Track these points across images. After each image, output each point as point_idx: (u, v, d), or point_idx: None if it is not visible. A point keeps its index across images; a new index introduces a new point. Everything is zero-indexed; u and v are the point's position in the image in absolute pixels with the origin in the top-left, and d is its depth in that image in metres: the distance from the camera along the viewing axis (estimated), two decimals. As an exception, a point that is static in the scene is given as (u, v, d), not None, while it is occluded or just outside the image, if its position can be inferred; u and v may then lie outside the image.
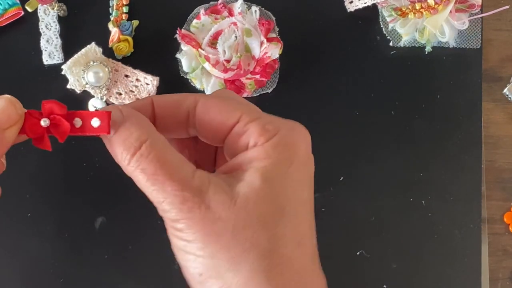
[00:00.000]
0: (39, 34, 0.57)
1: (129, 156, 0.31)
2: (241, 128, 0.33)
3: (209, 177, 0.32)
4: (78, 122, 0.37)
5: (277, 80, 0.57)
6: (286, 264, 0.32)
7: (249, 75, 0.56)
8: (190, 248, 0.32)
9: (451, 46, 0.58)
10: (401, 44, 0.58)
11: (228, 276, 0.31)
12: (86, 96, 0.56)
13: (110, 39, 0.57)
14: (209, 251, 0.31)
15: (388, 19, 0.58)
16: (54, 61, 0.57)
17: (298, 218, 0.33)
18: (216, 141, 0.35)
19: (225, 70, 0.55)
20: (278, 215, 0.32)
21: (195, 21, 0.57)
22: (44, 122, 0.37)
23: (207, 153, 0.38)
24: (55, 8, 0.57)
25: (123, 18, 0.58)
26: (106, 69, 0.55)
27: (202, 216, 0.31)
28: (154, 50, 0.58)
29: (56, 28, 0.57)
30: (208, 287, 0.32)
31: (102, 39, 0.57)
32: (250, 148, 0.33)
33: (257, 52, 0.56)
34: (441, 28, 0.58)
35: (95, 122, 0.36)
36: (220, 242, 0.31)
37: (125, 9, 0.58)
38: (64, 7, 0.58)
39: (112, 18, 0.58)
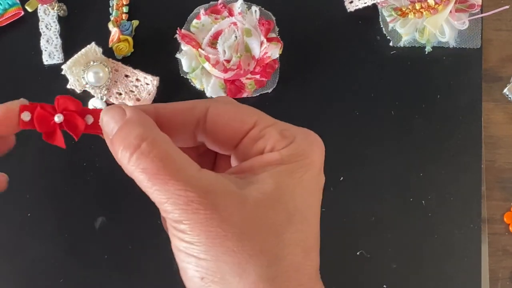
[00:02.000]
0: (39, 34, 0.57)
1: (128, 155, 0.30)
2: (257, 133, 0.33)
3: (216, 177, 0.30)
4: (89, 119, 0.36)
5: (277, 80, 0.57)
6: (293, 273, 0.31)
7: (249, 75, 0.56)
8: (192, 251, 0.30)
9: (451, 46, 0.58)
10: (401, 44, 0.58)
11: (233, 282, 0.29)
12: (86, 96, 0.56)
13: (110, 39, 0.57)
14: (214, 254, 0.29)
15: (388, 19, 0.58)
16: (54, 61, 0.57)
17: (307, 227, 0.32)
18: (227, 147, 0.34)
19: (225, 70, 0.55)
20: (287, 222, 0.31)
21: (195, 21, 0.57)
22: (58, 118, 0.36)
23: (206, 163, 0.37)
24: (55, 8, 0.57)
25: (123, 18, 0.58)
26: (106, 69, 0.55)
27: (208, 217, 0.29)
28: (154, 50, 0.58)
29: (56, 28, 0.57)
30: None
31: (102, 39, 0.57)
32: (265, 152, 0.32)
33: (257, 52, 0.56)
34: (441, 28, 0.58)
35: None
36: (226, 246, 0.29)
37: (125, 9, 0.58)
38: (64, 7, 0.58)
39: (112, 18, 0.58)
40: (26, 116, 0.37)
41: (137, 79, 0.56)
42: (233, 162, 0.35)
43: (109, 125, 0.32)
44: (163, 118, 0.32)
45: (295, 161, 0.32)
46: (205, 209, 0.29)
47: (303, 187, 0.33)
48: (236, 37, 0.56)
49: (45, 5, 0.57)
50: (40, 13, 0.58)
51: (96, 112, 0.35)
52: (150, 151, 0.29)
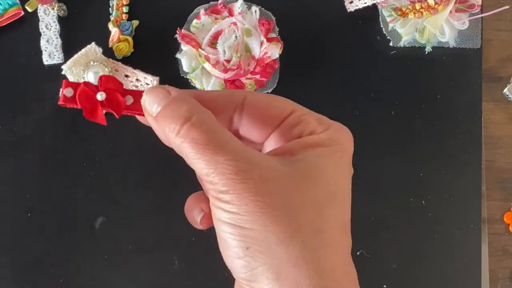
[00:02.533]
0: (39, 34, 0.57)
1: (178, 127, 0.31)
2: (296, 119, 0.35)
3: (261, 153, 0.32)
4: (129, 99, 0.37)
5: (277, 80, 0.57)
6: (335, 246, 0.33)
7: (249, 75, 0.56)
8: (238, 221, 0.31)
9: (451, 46, 0.58)
10: (401, 44, 0.58)
11: (279, 251, 0.30)
12: (86, 96, 0.56)
13: (110, 39, 0.57)
14: (262, 223, 0.30)
15: (388, 19, 0.58)
16: (54, 61, 0.57)
17: (344, 206, 0.35)
18: (263, 132, 0.35)
19: (225, 70, 0.55)
20: (329, 199, 0.33)
21: (195, 21, 0.57)
22: (100, 96, 0.37)
23: None
24: (55, 8, 0.57)
25: (123, 18, 0.58)
26: (106, 69, 0.55)
27: (256, 187, 0.30)
28: (154, 50, 0.58)
29: (56, 28, 0.57)
30: (254, 262, 0.30)
31: (102, 39, 0.57)
32: (304, 136, 0.34)
33: (257, 52, 0.56)
34: (441, 28, 0.58)
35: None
36: (273, 215, 0.30)
37: (125, 9, 0.58)
38: (64, 7, 0.58)
39: (112, 18, 0.58)
40: (68, 92, 0.38)
41: (137, 79, 0.56)
42: (267, 149, 0.36)
43: (153, 104, 0.32)
44: (203, 102, 0.33)
45: (333, 145, 0.35)
46: (254, 179, 0.30)
47: (340, 170, 0.35)
48: (236, 37, 0.56)
49: (45, 5, 0.57)
50: (40, 13, 0.58)
51: (137, 93, 0.36)
52: (201, 122, 0.30)
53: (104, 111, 0.37)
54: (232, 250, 0.31)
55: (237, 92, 0.36)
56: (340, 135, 0.36)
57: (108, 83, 0.37)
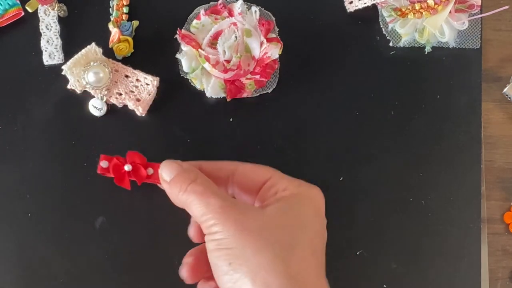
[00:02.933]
0: (40, 35, 0.57)
1: (185, 186, 0.43)
2: (273, 182, 0.45)
3: (243, 202, 0.45)
4: (150, 170, 0.50)
5: (277, 80, 0.57)
6: (304, 260, 0.41)
7: (249, 76, 0.56)
8: (223, 244, 0.40)
9: (450, 46, 0.59)
10: (401, 44, 0.58)
11: (254, 261, 0.39)
12: (86, 96, 0.56)
13: (110, 40, 0.57)
14: (241, 243, 0.39)
15: (387, 19, 0.58)
16: (55, 62, 0.57)
17: (315, 237, 0.43)
18: (250, 194, 0.47)
19: (225, 71, 0.55)
20: (298, 228, 0.42)
21: (195, 21, 0.57)
22: (127, 167, 0.50)
23: None
24: (55, 9, 0.57)
25: (123, 18, 0.58)
26: (106, 70, 0.55)
27: (236, 217, 0.41)
28: (154, 51, 0.58)
29: (56, 29, 0.57)
30: (235, 274, 0.39)
31: (102, 39, 0.57)
32: (279, 192, 0.44)
33: (257, 52, 0.56)
34: (440, 28, 0.58)
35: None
36: (250, 235, 0.40)
37: (125, 10, 0.58)
38: (64, 7, 0.58)
39: (112, 18, 0.58)
40: (104, 164, 0.51)
41: (137, 80, 0.56)
42: (257, 204, 0.47)
43: (168, 174, 0.45)
44: (204, 172, 0.46)
45: (302, 195, 0.44)
46: (234, 211, 0.41)
47: (308, 213, 0.44)
48: (236, 37, 0.56)
49: (45, 6, 0.57)
50: (41, 14, 0.58)
51: (156, 166, 0.49)
52: (201, 181, 0.43)
53: (129, 179, 0.50)
54: (220, 269, 0.40)
55: (228, 165, 0.48)
56: (310, 191, 0.45)
57: (134, 157, 0.51)
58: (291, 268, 0.39)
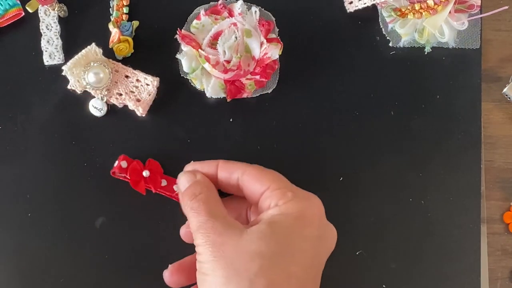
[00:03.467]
0: (40, 35, 0.57)
1: (188, 200, 0.46)
2: (268, 193, 0.45)
3: (230, 220, 0.44)
4: (164, 182, 0.54)
5: (277, 81, 0.57)
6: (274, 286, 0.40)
7: (249, 76, 0.56)
8: (202, 269, 0.42)
9: (450, 47, 0.59)
10: (401, 44, 0.59)
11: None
12: (86, 96, 0.56)
13: (111, 40, 0.57)
14: (213, 269, 0.41)
15: (387, 20, 0.58)
16: (55, 62, 0.57)
17: (296, 261, 0.42)
18: (252, 201, 0.47)
19: (225, 71, 0.55)
20: (274, 256, 0.41)
21: (195, 21, 0.57)
22: (145, 173, 0.54)
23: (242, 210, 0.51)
24: (56, 9, 0.57)
25: (123, 18, 0.58)
26: (107, 70, 0.55)
27: (215, 240, 0.42)
28: (154, 51, 0.58)
29: (56, 29, 0.57)
30: None
31: (103, 39, 0.57)
32: (270, 208, 0.44)
33: (257, 52, 0.56)
34: (440, 29, 0.58)
35: (176, 187, 0.52)
36: (223, 262, 0.41)
37: (125, 10, 0.58)
38: (65, 7, 0.58)
39: (112, 18, 0.58)
40: (124, 164, 0.54)
41: (137, 80, 0.56)
42: (255, 215, 0.48)
43: (183, 183, 0.48)
44: (220, 171, 0.49)
45: (290, 213, 0.43)
46: (214, 233, 0.42)
47: (296, 233, 0.43)
48: (236, 37, 0.56)
49: (45, 6, 0.57)
50: (41, 14, 0.58)
51: (170, 179, 0.54)
52: (202, 198, 0.45)
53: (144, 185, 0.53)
54: None
55: (236, 168, 0.48)
56: (303, 203, 0.44)
57: (153, 165, 0.54)
58: None
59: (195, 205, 0.45)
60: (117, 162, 0.54)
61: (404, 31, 0.58)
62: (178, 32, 0.56)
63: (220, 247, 0.41)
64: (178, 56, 0.57)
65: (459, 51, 0.59)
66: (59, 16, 0.58)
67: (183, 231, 0.52)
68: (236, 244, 0.41)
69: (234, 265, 0.40)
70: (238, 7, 0.56)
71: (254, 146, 0.57)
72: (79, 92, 0.56)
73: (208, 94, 0.56)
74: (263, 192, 0.45)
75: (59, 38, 0.57)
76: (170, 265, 0.51)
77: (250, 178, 0.47)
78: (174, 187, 0.53)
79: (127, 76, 0.56)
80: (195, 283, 0.45)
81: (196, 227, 0.43)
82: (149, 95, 0.56)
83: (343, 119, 0.58)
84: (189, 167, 0.50)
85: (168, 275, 0.50)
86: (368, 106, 0.58)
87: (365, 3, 0.58)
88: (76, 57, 0.55)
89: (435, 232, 0.57)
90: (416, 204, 0.57)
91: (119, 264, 0.55)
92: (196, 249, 0.43)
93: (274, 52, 0.56)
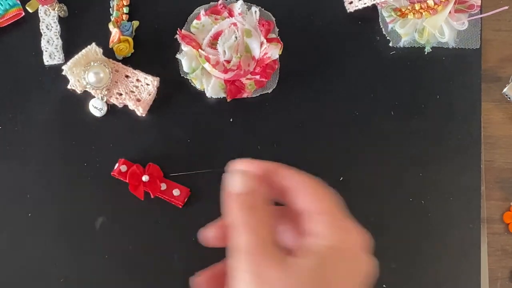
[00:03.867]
0: (40, 35, 0.57)
1: (245, 213, 0.39)
2: (319, 217, 0.40)
3: (276, 248, 0.39)
4: (163, 186, 0.54)
5: (277, 81, 0.57)
6: None
7: (249, 76, 0.56)
8: None
9: (450, 47, 0.59)
10: (401, 44, 0.59)
11: None
12: (86, 96, 0.56)
13: (111, 40, 0.57)
14: None
15: (387, 20, 0.58)
16: (55, 62, 0.57)
17: None
18: (297, 219, 0.41)
19: (225, 71, 0.55)
20: None
21: (195, 21, 0.57)
22: (144, 178, 0.54)
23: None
24: (56, 9, 0.57)
25: (124, 18, 0.58)
26: (107, 70, 0.55)
27: (257, 272, 0.37)
28: (155, 51, 0.58)
29: (56, 29, 0.58)
30: None
31: (103, 39, 0.57)
32: (319, 236, 0.39)
33: (257, 52, 0.56)
34: (440, 29, 0.58)
35: (176, 192, 0.54)
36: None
37: (125, 10, 0.58)
38: (65, 7, 0.58)
39: (112, 18, 0.58)
40: (123, 168, 0.54)
41: (137, 80, 0.56)
42: (290, 235, 0.43)
43: (232, 184, 0.41)
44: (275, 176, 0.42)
45: (334, 249, 0.39)
46: (260, 264, 0.37)
47: (336, 272, 0.39)
48: (236, 37, 0.56)
49: (45, 6, 0.57)
50: (41, 14, 0.58)
51: (170, 183, 0.54)
52: (259, 217, 0.39)
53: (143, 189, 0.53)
54: None
55: (291, 175, 0.42)
56: (345, 237, 0.40)
57: (153, 170, 0.54)
58: None
59: (252, 222, 0.39)
60: (117, 165, 0.54)
61: (404, 31, 0.58)
62: (178, 32, 0.56)
63: (262, 280, 0.37)
64: (178, 56, 0.57)
65: (459, 51, 0.59)
66: (59, 16, 0.58)
67: (210, 234, 0.44)
68: (279, 278, 0.37)
69: None
70: (238, 7, 0.56)
71: (254, 146, 0.57)
72: (79, 92, 0.56)
73: (208, 94, 0.56)
74: (313, 213, 0.41)
75: (59, 38, 0.58)
76: (201, 274, 0.45)
77: (304, 193, 0.42)
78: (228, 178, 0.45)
79: (127, 76, 0.57)
80: None
81: (244, 247, 0.38)
82: (149, 95, 0.56)
83: (343, 119, 0.58)
84: (242, 164, 0.43)
85: (199, 285, 0.44)
86: (368, 106, 0.58)
87: (365, 3, 0.58)
88: (76, 57, 0.55)
89: (435, 232, 0.57)
90: (416, 204, 0.57)
91: (119, 264, 0.55)
92: (233, 271, 0.39)
93: (274, 52, 0.56)
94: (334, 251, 0.39)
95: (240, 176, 0.42)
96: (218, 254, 0.56)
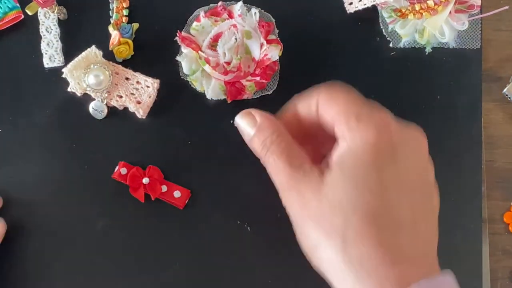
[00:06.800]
0: (40, 37, 0.57)
1: (264, 151, 0.42)
2: (336, 121, 0.41)
3: (308, 169, 0.40)
4: (164, 188, 0.54)
5: (277, 82, 0.57)
6: (360, 246, 0.37)
7: (249, 77, 0.56)
8: (298, 233, 0.41)
9: (451, 47, 0.59)
10: (401, 45, 0.59)
11: (313, 235, 0.39)
12: (87, 99, 0.56)
13: (111, 42, 0.57)
14: (303, 226, 0.40)
15: (387, 20, 0.58)
16: (55, 64, 0.57)
17: (371, 199, 0.38)
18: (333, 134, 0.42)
19: (225, 72, 0.55)
20: (358, 197, 0.38)
21: (195, 23, 0.57)
22: (145, 180, 0.54)
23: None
24: (55, 11, 0.57)
25: (123, 21, 0.58)
26: (107, 72, 0.55)
27: (294, 199, 0.40)
28: (155, 53, 0.58)
29: (56, 31, 0.57)
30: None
31: (103, 42, 0.57)
32: (339, 142, 0.40)
33: (257, 54, 0.56)
34: (440, 29, 0.58)
35: (177, 194, 0.54)
36: (309, 222, 0.39)
37: (125, 12, 0.58)
38: (64, 10, 0.58)
39: (112, 21, 0.58)
40: (123, 170, 0.54)
41: (137, 82, 0.56)
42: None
43: (246, 130, 0.44)
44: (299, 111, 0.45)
45: (357, 146, 0.39)
46: (292, 191, 0.40)
47: (368, 169, 0.39)
48: (236, 39, 0.56)
49: (45, 8, 0.57)
50: (40, 16, 0.58)
51: (170, 185, 0.54)
52: (277, 146, 0.42)
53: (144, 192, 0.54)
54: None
55: (312, 94, 0.44)
56: (370, 131, 0.39)
57: (153, 172, 0.54)
58: (348, 255, 0.37)
59: (274, 148, 0.41)
60: (117, 167, 0.54)
61: (404, 32, 0.58)
62: (178, 34, 0.56)
63: (302, 205, 0.39)
64: (178, 58, 0.57)
65: (460, 51, 0.59)
66: (58, 18, 0.58)
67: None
68: (317, 199, 0.38)
69: (320, 224, 0.38)
70: (238, 8, 0.56)
71: (254, 147, 0.57)
72: (79, 95, 0.56)
73: (208, 96, 0.56)
74: (334, 120, 0.41)
75: (59, 40, 0.57)
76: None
77: (323, 103, 0.43)
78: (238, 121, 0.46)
79: (127, 78, 0.56)
80: None
81: (276, 181, 0.41)
82: (150, 97, 0.56)
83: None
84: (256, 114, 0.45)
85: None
86: (369, 106, 0.58)
87: (365, 4, 0.58)
88: (76, 59, 0.55)
89: (435, 232, 0.57)
90: (417, 205, 0.57)
91: (120, 265, 0.55)
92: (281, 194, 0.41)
93: (274, 53, 0.56)
94: (353, 152, 0.39)
95: (241, 119, 0.44)
96: (218, 256, 0.56)
